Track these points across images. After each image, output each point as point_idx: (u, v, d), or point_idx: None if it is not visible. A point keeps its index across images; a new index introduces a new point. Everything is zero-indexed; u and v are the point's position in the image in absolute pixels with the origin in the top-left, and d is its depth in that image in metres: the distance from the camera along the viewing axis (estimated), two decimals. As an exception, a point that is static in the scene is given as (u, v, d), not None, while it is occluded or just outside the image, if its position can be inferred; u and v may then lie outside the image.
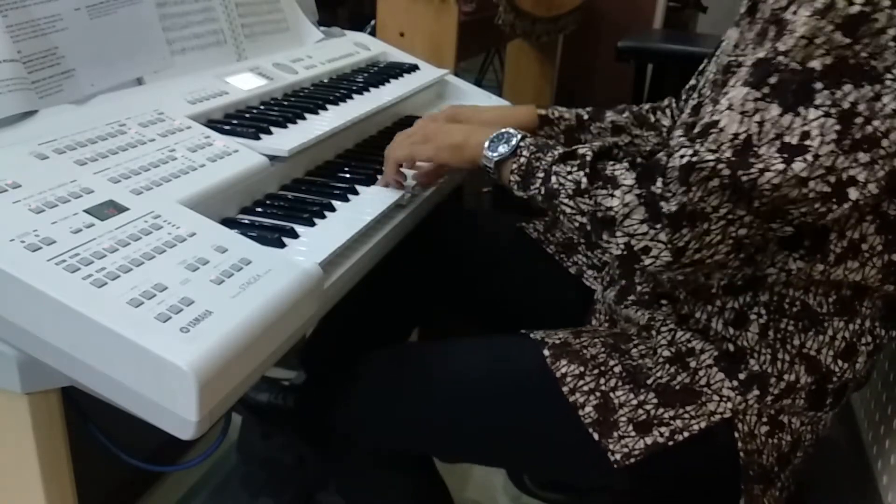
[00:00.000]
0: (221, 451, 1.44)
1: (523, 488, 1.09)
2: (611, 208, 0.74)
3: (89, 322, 0.55)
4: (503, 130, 0.89)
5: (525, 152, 0.85)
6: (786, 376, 0.80)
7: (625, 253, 0.75)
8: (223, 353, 0.57)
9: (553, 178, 0.80)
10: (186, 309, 0.58)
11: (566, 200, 0.79)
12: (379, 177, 0.99)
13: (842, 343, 0.79)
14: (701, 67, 1.02)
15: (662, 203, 0.71)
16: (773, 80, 0.69)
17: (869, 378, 0.85)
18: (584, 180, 0.77)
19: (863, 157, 0.67)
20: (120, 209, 0.68)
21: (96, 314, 0.55)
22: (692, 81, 1.04)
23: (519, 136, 0.87)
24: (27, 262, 0.57)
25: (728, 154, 0.68)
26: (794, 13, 0.70)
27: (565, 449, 0.86)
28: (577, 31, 3.03)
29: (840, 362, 0.80)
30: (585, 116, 1.13)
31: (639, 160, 0.78)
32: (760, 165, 0.67)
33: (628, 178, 0.74)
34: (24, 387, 0.62)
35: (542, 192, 0.82)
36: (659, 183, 0.72)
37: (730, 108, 0.70)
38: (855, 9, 0.66)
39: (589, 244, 0.80)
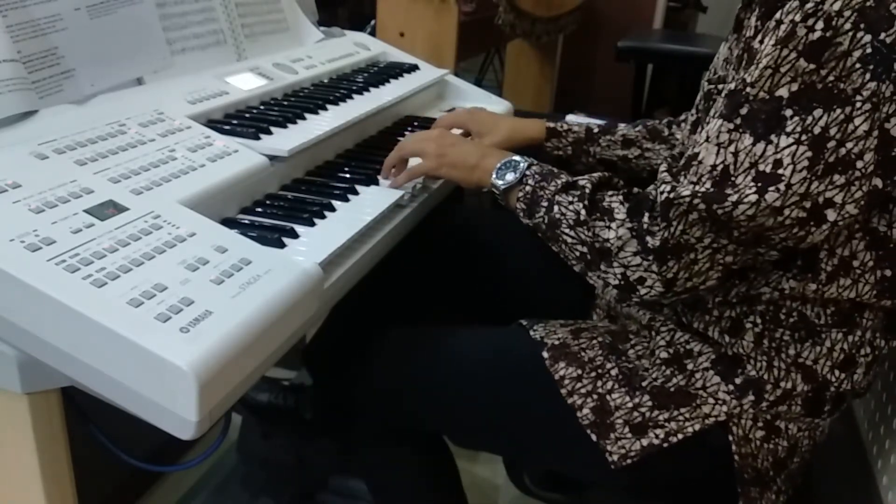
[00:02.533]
0: (221, 451, 1.44)
1: (523, 488, 1.09)
2: (607, 240, 0.77)
3: (89, 322, 0.55)
4: (510, 158, 0.90)
5: (530, 181, 0.87)
6: (782, 383, 0.80)
7: (621, 283, 0.77)
8: (223, 353, 0.57)
9: (556, 208, 0.82)
10: (186, 309, 0.58)
11: (567, 230, 0.81)
12: (380, 178, 0.99)
13: (840, 354, 0.79)
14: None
15: (648, 238, 0.74)
16: (743, 110, 0.70)
17: (870, 388, 0.85)
18: (584, 212, 0.79)
19: (838, 178, 0.68)
20: (120, 209, 0.68)
21: (96, 314, 0.55)
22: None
23: (525, 165, 0.89)
24: (27, 262, 0.57)
25: (707, 185, 0.70)
26: (761, 42, 0.71)
27: (565, 445, 0.87)
28: (577, 31, 3.03)
29: (837, 373, 0.80)
30: (595, 129, 1.14)
31: (635, 191, 0.80)
32: (734, 198, 0.69)
33: (621, 212, 0.77)
34: (24, 387, 0.62)
35: (546, 221, 0.84)
36: (646, 218, 0.74)
37: (707, 140, 0.72)
38: (816, 35, 0.66)
39: (584, 273, 0.82)
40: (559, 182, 0.84)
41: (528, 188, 0.87)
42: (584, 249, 0.80)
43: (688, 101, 0.99)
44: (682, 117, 1.15)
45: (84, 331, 0.55)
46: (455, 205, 1.03)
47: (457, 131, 1.14)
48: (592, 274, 0.81)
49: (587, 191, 0.81)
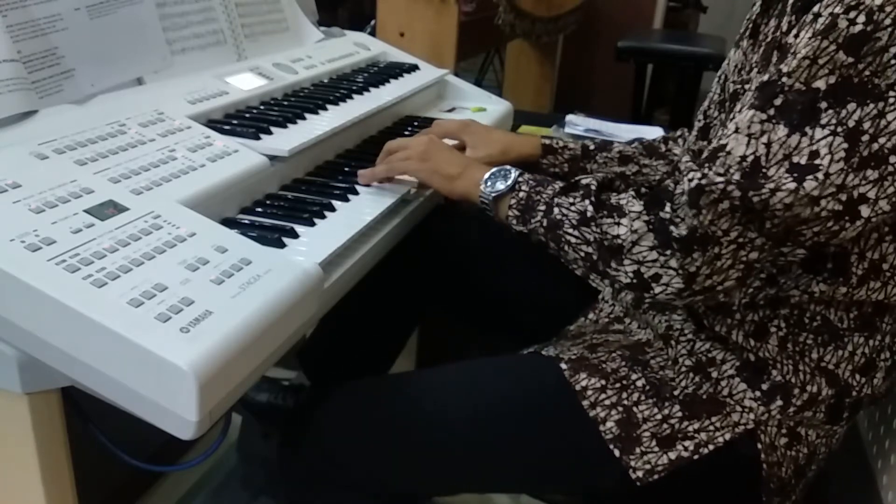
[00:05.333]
0: (221, 451, 1.44)
1: (523, 488, 1.08)
2: (618, 236, 0.75)
3: (89, 322, 0.55)
4: (500, 168, 0.89)
5: (524, 187, 0.86)
6: (808, 387, 0.79)
7: (634, 281, 0.75)
8: (223, 353, 0.57)
9: (556, 210, 0.81)
10: (186, 309, 0.58)
11: (570, 230, 0.79)
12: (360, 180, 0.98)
13: (861, 358, 0.78)
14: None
15: (672, 228, 0.71)
16: (778, 101, 0.69)
17: (888, 394, 0.84)
18: (591, 209, 0.78)
19: (871, 174, 0.67)
20: (120, 209, 0.68)
21: (96, 314, 0.55)
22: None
23: (517, 172, 0.88)
24: (27, 262, 0.57)
25: (737, 177, 0.68)
26: (796, 36, 0.70)
27: (582, 467, 0.84)
28: (577, 31, 3.03)
29: (858, 377, 0.79)
30: (592, 147, 1.13)
31: (643, 189, 0.78)
32: (771, 185, 0.67)
33: (636, 206, 0.75)
34: (24, 387, 0.62)
35: (544, 224, 0.82)
36: (668, 208, 0.72)
37: (736, 131, 0.70)
38: (857, 28, 0.66)
39: (587, 275, 0.80)
40: (557, 186, 0.83)
41: (521, 194, 0.85)
42: (591, 249, 0.78)
43: (688, 101, 0.99)
44: (678, 133, 1.14)
45: (84, 331, 0.55)
46: (455, 205, 1.03)
47: (451, 142, 1.13)
48: (597, 276, 0.79)
49: (593, 188, 0.79)
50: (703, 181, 0.69)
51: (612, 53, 2.77)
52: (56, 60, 0.85)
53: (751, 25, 0.86)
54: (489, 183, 0.89)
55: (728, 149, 0.70)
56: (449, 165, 0.94)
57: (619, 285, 0.77)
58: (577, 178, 0.83)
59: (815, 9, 0.69)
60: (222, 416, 0.62)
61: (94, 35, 0.90)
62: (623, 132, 1.72)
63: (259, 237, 0.75)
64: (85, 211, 0.65)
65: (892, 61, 0.65)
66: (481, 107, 1.43)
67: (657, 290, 0.74)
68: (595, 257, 0.78)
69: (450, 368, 0.90)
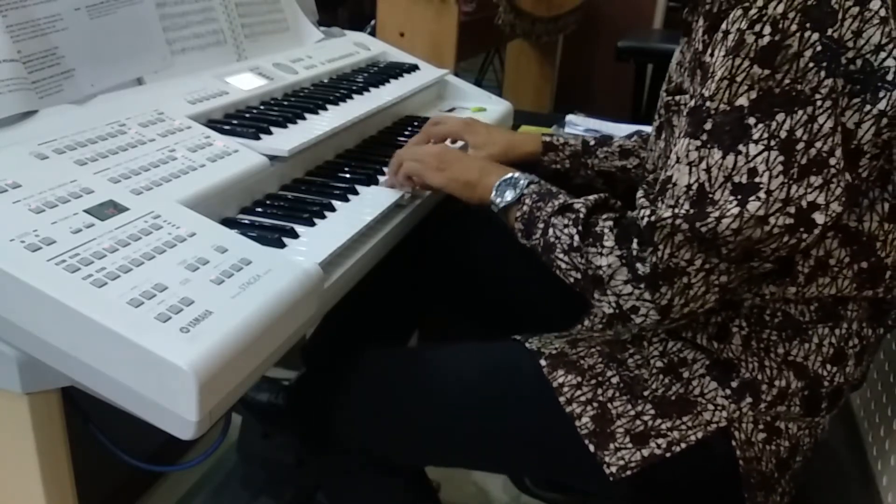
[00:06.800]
0: (221, 451, 1.44)
1: (523, 488, 1.09)
2: (600, 267, 0.75)
3: (89, 322, 0.55)
4: (510, 175, 0.89)
5: (528, 200, 0.86)
6: (776, 382, 0.79)
7: (616, 311, 0.76)
8: (223, 353, 0.57)
9: (551, 231, 0.81)
10: (186, 309, 0.58)
11: (562, 255, 0.80)
12: (380, 177, 0.99)
13: (829, 349, 0.79)
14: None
15: (638, 265, 0.72)
16: (707, 125, 0.69)
17: (865, 378, 0.85)
18: (577, 237, 0.78)
19: (815, 180, 0.67)
20: (120, 209, 0.68)
21: (96, 314, 0.55)
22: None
23: (524, 183, 0.88)
24: (27, 262, 0.57)
25: (686, 207, 0.69)
26: (712, 55, 0.71)
27: (561, 457, 0.85)
28: (577, 31, 3.03)
29: (829, 367, 0.79)
30: (592, 142, 1.14)
31: (628, 215, 0.78)
32: (717, 214, 0.68)
33: (610, 239, 0.75)
34: (24, 387, 0.62)
35: (542, 244, 0.83)
36: (635, 244, 0.73)
37: (678, 161, 0.71)
38: (765, 40, 0.66)
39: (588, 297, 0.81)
40: (556, 203, 0.83)
41: (525, 208, 0.85)
42: (578, 276, 0.78)
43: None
44: None
45: (84, 331, 0.55)
46: (455, 204, 1.03)
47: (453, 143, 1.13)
48: (588, 298, 0.79)
49: (581, 215, 0.79)
50: (653, 217, 0.70)
51: (612, 53, 2.77)
52: (56, 60, 0.85)
53: (684, 26, 0.87)
54: (498, 192, 0.89)
55: (674, 180, 0.71)
56: (468, 173, 0.94)
57: (603, 313, 0.78)
58: (572, 201, 0.82)
59: (724, 26, 0.70)
60: (222, 416, 0.62)
61: (94, 35, 0.90)
62: (623, 132, 1.71)
63: (259, 237, 0.75)
64: (85, 211, 0.65)
65: (811, 64, 0.66)
66: (481, 107, 1.43)
67: (637, 320, 0.75)
68: (582, 284, 0.78)
69: (444, 347, 0.94)
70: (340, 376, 0.95)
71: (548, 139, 1.13)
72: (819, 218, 0.68)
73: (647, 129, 1.19)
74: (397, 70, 1.35)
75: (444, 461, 0.98)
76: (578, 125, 1.74)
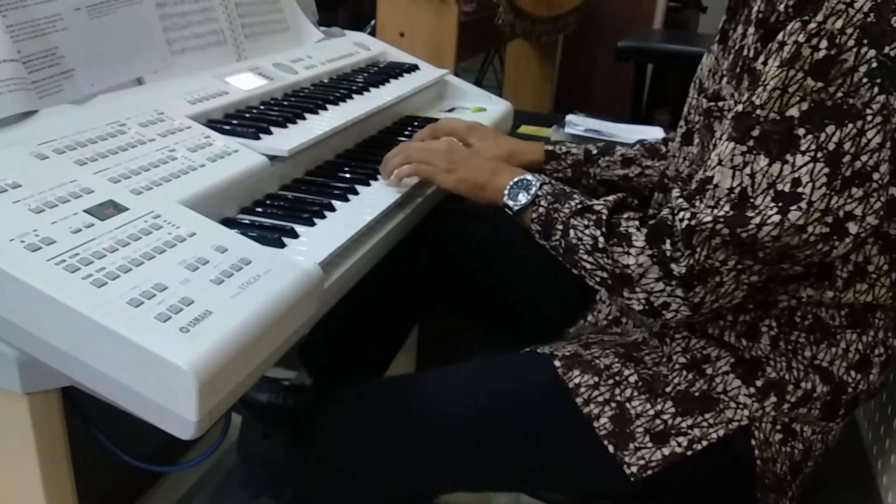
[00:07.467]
0: (221, 451, 1.44)
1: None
2: (627, 266, 0.76)
3: (89, 322, 0.55)
4: (522, 177, 0.89)
5: (543, 202, 0.86)
6: (803, 384, 0.79)
7: (646, 308, 0.77)
8: (223, 353, 0.57)
9: (571, 233, 0.82)
10: (186, 309, 0.58)
11: (585, 256, 0.80)
12: (380, 177, 0.99)
13: (855, 355, 0.79)
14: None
15: (673, 265, 0.73)
16: (755, 132, 0.70)
17: (882, 389, 0.85)
18: (601, 238, 0.79)
19: (856, 191, 0.68)
20: (120, 209, 0.68)
21: (96, 314, 0.55)
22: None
23: (537, 185, 0.88)
24: (27, 262, 0.57)
25: (726, 209, 0.70)
26: (764, 63, 0.72)
27: (578, 464, 0.84)
28: (577, 31, 3.03)
29: (853, 373, 0.79)
30: (594, 151, 1.14)
31: (651, 213, 0.78)
32: (757, 220, 0.69)
33: (639, 239, 0.76)
34: (24, 387, 0.62)
35: (563, 245, 0.83)
36: (668, 244, 0.74)
37: (720, 163, 0.72)
38: (821, 54, 0.67)
39: (611, 295, 0.81)
40: (573, 204, 0.83)
41: (541, 209, 0.86)
42: (605, 275, 0.79)
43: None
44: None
45: (84, 331, 0.55)
46: (455, 203, 1.02)
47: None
48: (616, 298, 0.80)
49: (604, 216, 0.79)
50: (693, 221, 0.71)
51: (612, 53, 2.77)
52: (56, 60, 0.85)
53: (719, 33, 0.87)
54: (511, 195, 0.89)
55: (715, 181, 0.72)
56: (477, 174, 0.94)
57: (633, 311, 0.79)
58: (591, 203, 0.82)
59: (780, 37, 0.70)
60: (222, 416, 0.62)
61: (94, 35, 0.90)
62: (623, 132, 1.72)
63: (259, 237, 0.75)
64: (85, 211, 0.65)
65: (864, 80, 0.66)
66: (481, 107, 1.42)
67: (668, 315, 0.76)
68: (610, 283, 0.79)
69: (450, 370, 0.91)
70: (340, 409, 0.92)
71: (550, 148, 1.13)
72: (852, 228, 0.70)
73: (649, 138, 1.19)
74: (397, 70, 1.35)
75: (459, 487, 0.96)
76: (578, 125, 1.74)
